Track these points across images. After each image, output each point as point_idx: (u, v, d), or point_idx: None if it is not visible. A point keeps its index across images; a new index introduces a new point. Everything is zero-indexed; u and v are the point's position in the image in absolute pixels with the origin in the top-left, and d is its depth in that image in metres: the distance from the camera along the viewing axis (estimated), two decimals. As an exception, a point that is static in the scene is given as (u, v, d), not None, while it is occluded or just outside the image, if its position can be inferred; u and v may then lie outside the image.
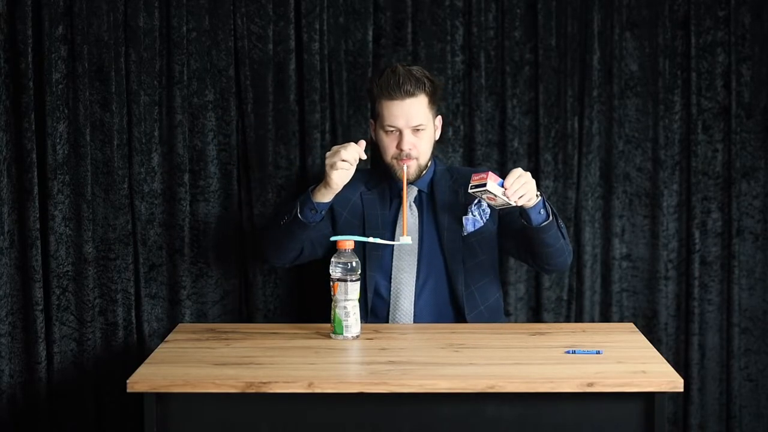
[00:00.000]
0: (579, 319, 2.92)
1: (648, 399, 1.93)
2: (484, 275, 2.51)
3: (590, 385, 1.91)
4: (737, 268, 2.91)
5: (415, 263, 2.50)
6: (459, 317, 2.50)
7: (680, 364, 2.93)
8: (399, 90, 2.41)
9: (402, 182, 2.44)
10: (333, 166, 2.30)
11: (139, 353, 2.70)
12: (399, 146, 2.44)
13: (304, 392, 1.91)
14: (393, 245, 2.49)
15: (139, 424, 2.11)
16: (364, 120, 2.85)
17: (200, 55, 2.75)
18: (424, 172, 2.52)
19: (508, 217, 2.48)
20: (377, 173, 2.58)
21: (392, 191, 2.55)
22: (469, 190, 2.30)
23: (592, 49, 2.86)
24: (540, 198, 2.32)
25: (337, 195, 2.39)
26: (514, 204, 2.27)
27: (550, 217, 2.33)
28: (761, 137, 2.90)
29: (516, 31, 2.85)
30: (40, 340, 2.63)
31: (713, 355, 2.95)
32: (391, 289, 2.49)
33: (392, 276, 2.50)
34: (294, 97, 2.79)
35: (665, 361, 2.08)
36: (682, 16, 2.87)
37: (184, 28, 2.72)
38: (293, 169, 2.82)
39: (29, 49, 2.57)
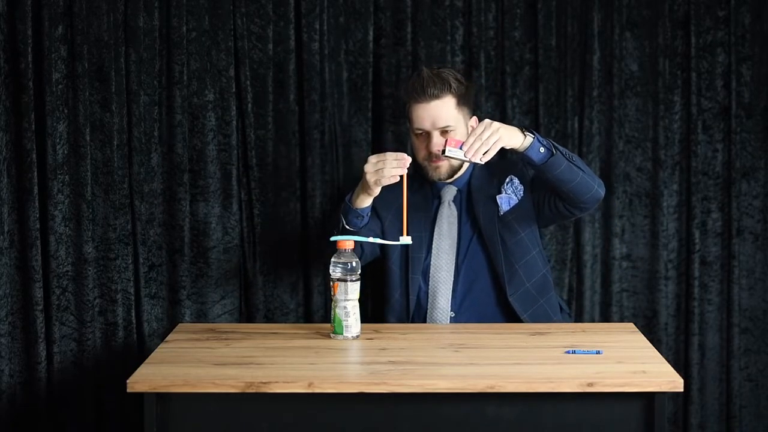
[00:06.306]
0: (579, 319, 2.92)
1: (648, 399, 1.93)
2: (527, 252, 2.53)
3: (590, 385, 1.91)
4: (737, 268, 2.91)
5: (453, 261, 2.52)
6: (502, 298, 2.51)
7: (680, 364, 2.93)
8: (424, 93, 2.45)
9: (438, 181, 2.52)
10: (378, 182, 2.32)
11: (139, 353, 2.70)
12: (428, 148, 2.48)
13: (304, 392, 1.91)
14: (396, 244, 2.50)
15: (139, 424, 2.11)
16: (364, 120, 2.84)
17: (200, 55, 2.74)
18: (461, 171, 2.56)
19: (535, 182, 2.52)
20: (419, 176, 2.59)
21: (432, 192, 2.59)
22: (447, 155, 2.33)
23: (592, 49, 2.85)
24: (533, 138, 2.31)
25: (380, 198, 2.43)
26: (480, 161, 2.28)
27: (553, 151, 2.32)
28: (761, 137, 2.90)
29: (516, 31, 2.85)
30: (40, 340, 2.63)
31: (713, 355, 2.94)
32: (429, 288, 2.52)
33: (430, 275, 2.53)
34: (294, 97, 2.79)
35: (665, 361, 2.08)
36: (682, 16, 2.87)
37: (184, 28, 2.72)
38: (293, 169, 2.82)
39: (29, 49, 2.57)
